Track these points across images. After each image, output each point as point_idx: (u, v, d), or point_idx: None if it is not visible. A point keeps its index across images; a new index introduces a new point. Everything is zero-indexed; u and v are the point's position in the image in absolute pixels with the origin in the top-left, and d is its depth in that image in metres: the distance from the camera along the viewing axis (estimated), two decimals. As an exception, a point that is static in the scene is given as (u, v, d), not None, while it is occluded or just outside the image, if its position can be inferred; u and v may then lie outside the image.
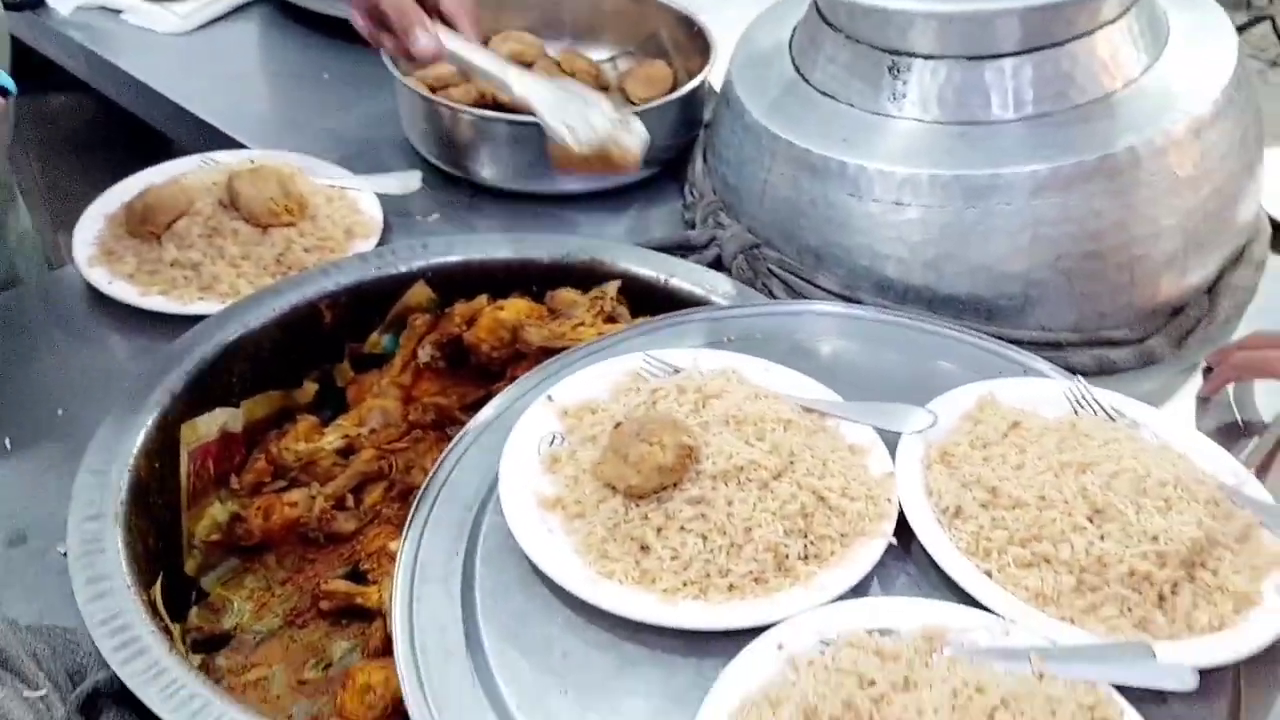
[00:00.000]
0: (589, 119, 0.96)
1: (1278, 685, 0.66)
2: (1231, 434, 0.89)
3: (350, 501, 0.90)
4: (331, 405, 0.98)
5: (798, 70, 1.04)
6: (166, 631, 0.69)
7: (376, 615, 0.81)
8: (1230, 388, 0.92)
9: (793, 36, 1.07)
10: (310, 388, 0.97)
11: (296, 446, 0.91)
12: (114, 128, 1.48)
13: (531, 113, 0.99)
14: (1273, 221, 1.08)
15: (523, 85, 0.98)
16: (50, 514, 0.77)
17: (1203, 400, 0.93)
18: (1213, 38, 0.99)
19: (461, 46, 0.99)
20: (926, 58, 0.93)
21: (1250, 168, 0.99)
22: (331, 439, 0.93)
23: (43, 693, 0.64)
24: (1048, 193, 0.90)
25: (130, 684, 0.64)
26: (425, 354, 0.97)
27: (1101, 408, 0.79)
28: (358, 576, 0.85)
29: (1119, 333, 0.95)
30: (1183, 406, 0.92)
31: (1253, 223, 1.05)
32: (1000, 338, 0.88)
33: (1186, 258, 0.96)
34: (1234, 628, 0.65)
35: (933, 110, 0.94)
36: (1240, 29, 1.21)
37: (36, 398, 0.89)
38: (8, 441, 0.85)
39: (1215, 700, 0.64)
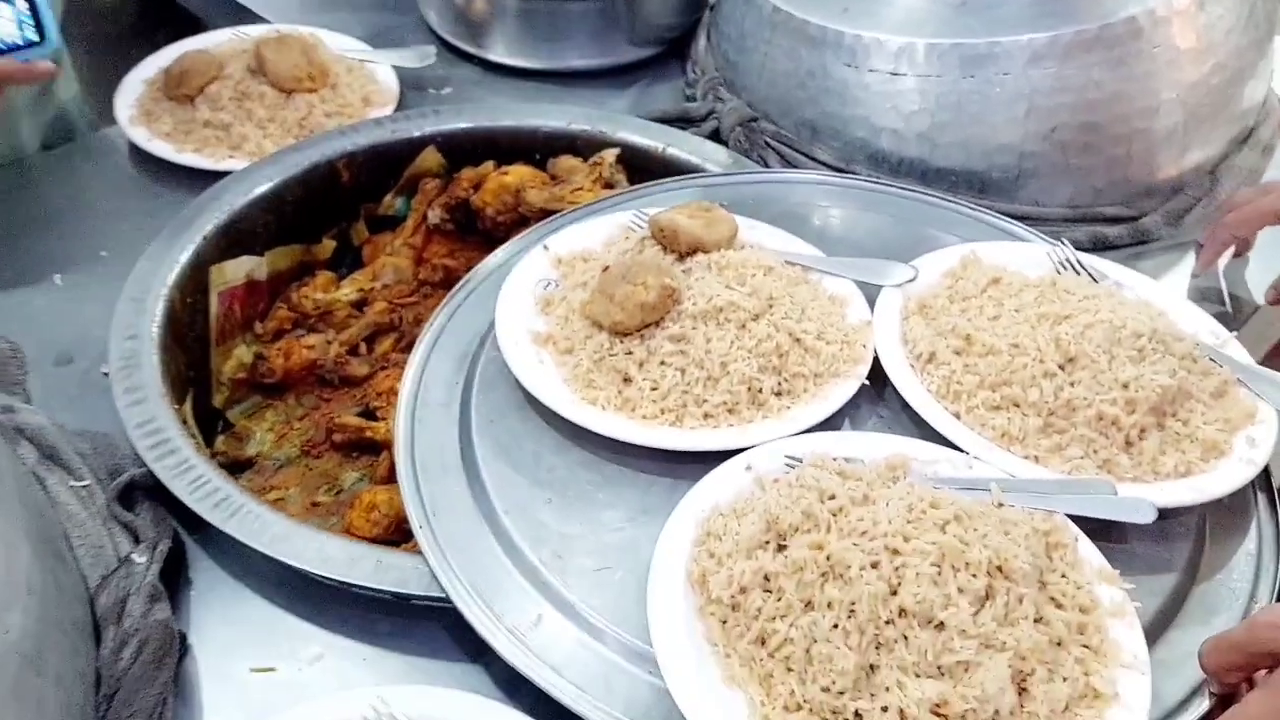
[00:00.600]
0: None
1: (1241, 534, 0.65)
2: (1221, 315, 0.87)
3: (363, 349, 0.91)
4: (348, 263, 0.99)
5: (805, -55, 1.00)
6: (193, 439, 0.71)
7: (383, 448, 0.82)
8: (1222, 265, 0.89)
9: (801, -88, 1.03)
10: (329, 244, 0.97)
11: (315, 295, 0.92)
12: (150, 16, 1.47)
13: None
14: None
15: None
16: (93, 339, 0.79)
17: (1195, 278, 0.90)
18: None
19: None
20: (930, -76, 0.90)
21: (1259, 45, 0.94)
22: (347, 291, 0.93)
23: (86, 483, 0.66)
24: (1045, 62, 0.86)
25: (162, 478, 0.66)
26: (435, 216, 0.96)
27: (1085, 269, 0.77)
28: (368, 415, 0.86)
29: (1114, 209, 0.92)
30: (1177, 283, 0.90)
31: (1261, 105, 1.01)
32: (993, 211, 0.86)
33: (1187, 135, 0.92)
34: (1200, 474, 0.64)
35: (934, -22, 0.91)
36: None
37: (83, 240, 0.91)
38: (57, 278, 0.87)
39: (1177, 544, 0.63)
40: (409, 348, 0.91)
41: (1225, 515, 0.65)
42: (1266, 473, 0.66)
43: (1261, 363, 0.71)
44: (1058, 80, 0.87)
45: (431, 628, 0.64)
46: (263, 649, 0.63)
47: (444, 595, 0.60)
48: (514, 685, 0.59)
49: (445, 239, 0.97)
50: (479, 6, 1.10)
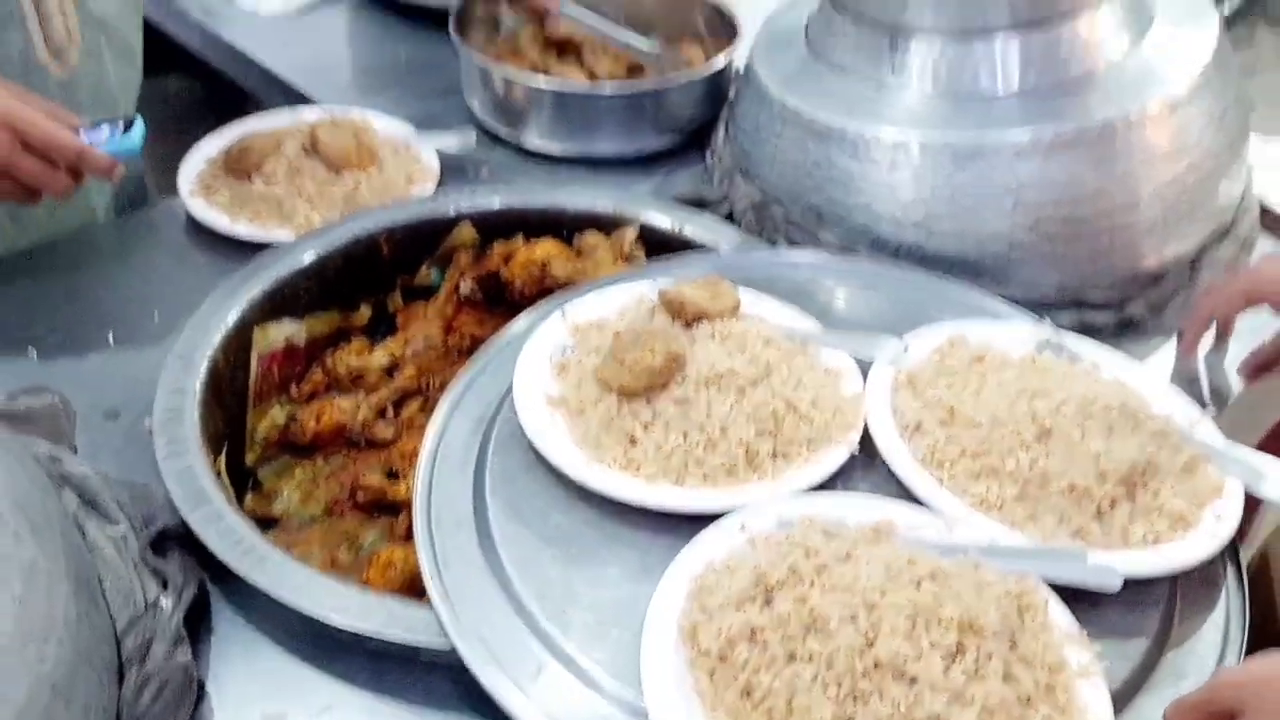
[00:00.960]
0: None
1: (1209, 606, 0.66)
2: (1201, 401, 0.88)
3: (390, 412, 0.95)
4: (383, 330, 1.03)
5: (811, 50, 1.05)
6: (225, 492, 0.74)
7: (404, 508, 0.85)
8: (1202, 355, 0.91)
9: (808, 23, 1.09)
10: (365, 312, 1.02)
11: (349, 360, 0.96)
12: (216, 97, 1.56)
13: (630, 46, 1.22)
14: (1267, 210, 1.07)
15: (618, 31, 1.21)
16: (140, 395, 0.83)
17: (1178, 364, 0.92)
18: (1195, 25, 0.98)
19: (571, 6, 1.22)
20: (923, 33, 0.94)
21: (1232, 147, 0.98)
22: (379, 357, 0.97)
23: (122, 530, 0.69)
24: (1029, 158, 0.90)
25: (194, 526, 0.69)
26: (466, 287, 1.01)
27: (1065, 348, 0.79)
28: (392, 476, 0.89)
29: (1100, 296, 0.95)
30: (1160, 367, 0.91)
31: (1239, 202, 1.03)
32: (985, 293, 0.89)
33: (1166, 228, 0.95)
34: (1168, 544, 0.66)
35: (928, 82, 0.95)
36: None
37: (137, 302, 0.96)
38: (110, 336, 0.92)
39: (1147, 611, 0.65)
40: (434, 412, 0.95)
41: (1195, 586, 0.66)
42: (1235, 546, 0.67)
43: (1259, 446, 0.72)
44: (1042, 175, 0.90)
45: (439, 681, 0.65)
46: (275, 697, 0.65)
47: (449, 648, 0.62)
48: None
49: (475, 309, 1.01)
50: (517, 97, 1.17)
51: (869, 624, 0.55)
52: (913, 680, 0.54)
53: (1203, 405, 0.81)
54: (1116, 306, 0.94)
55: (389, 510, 0.85)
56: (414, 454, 0.88)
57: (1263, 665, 0.52)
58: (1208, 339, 0.90)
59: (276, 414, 0.92)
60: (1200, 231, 0.98)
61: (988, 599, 0.57)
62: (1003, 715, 0.53)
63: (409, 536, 0.79)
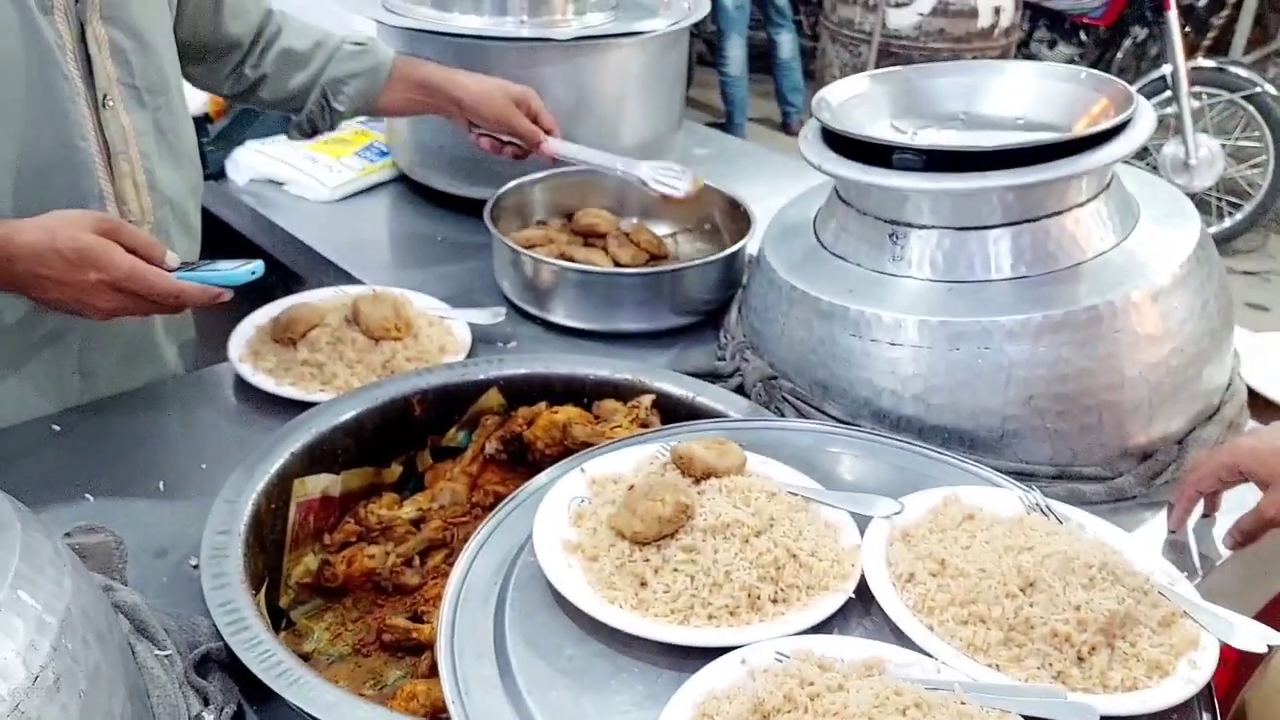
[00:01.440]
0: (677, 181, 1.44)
1: (1187, 749, 0.75)
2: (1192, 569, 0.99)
3: (417, 562, 1.06)
4: (411, 486, 1.16)
5: (818, 239, 1.23)
6: (263, 620, 0.85)
7: (427, 648, 0.95)
8: (1190, 525, 1.02)
9: (816, 215, 1.28)
10: (396, 469, 1.15)
11: (379, 512, 1.09)
12: (261, 284, 1.78)
13: (640, 179, 1.43)
14: (1257, 395, 1.20)
15: (626, 163, 1.44)
16: (186, 537, 0.97)
17: (1170, 536, 1.02)
18: (1178, 223, 1.16)
19: (567, 147, 1.45)
20: (921, 227, 1.12)
21: (1214, 334, 1.12)
22: (408, 510, 1.10)
23: (169, 653, 0.80)
24: (1020, 340, 1.05)
25: (236, 649, 0.80)
26: (491, 448, 1.15)
27: (1052, 512, 0.91)
28: (416, 619, 1.00)
29: (1091, 469, 1.07)
30: (1150, 537, 1.02)
31: (1225, 387, 1.17)
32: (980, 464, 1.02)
33: (1152, 408, 1.08)
34: (1145, 689, 0.75)
35: (925, 270, 1.12)
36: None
37: (187, 455, 1.10)
38: (161, 484, 1.06)
39: (1126, 752, 0.73)
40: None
41: (1171, 730, 0.74)
42: (1210, 694, 0.76)
43: (1258, 615, 0.82)
44: (1032, 355, 1.05)
45: (457, 799, 0.74)
46: (308, 807, 0.74)
47: (469, 765, 0.71)
48: None
49: (499, 468, 1.15)
50: (545, 278, 1.35)
51: (859, 747, 0.65)
52: (896, 800, 0.63)
53: (1193, 573, 0.92)
54: (1107, 480, 1.06)
55: (413, 651, 0.95)
56: (437, 599, 0.99)
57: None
58: (1197, 510, 1.01)
59: (310, 560, 1.04)
60: (1186, 412, 1.11)
61: (972, 732, 0.67)
62: (980, 835, 0.62)
63: (431, 673, 0.90)
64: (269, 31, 1.40)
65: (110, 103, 1.14)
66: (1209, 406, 1.14)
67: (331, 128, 1.49)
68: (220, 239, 1.67)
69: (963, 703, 0.70)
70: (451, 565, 1.07)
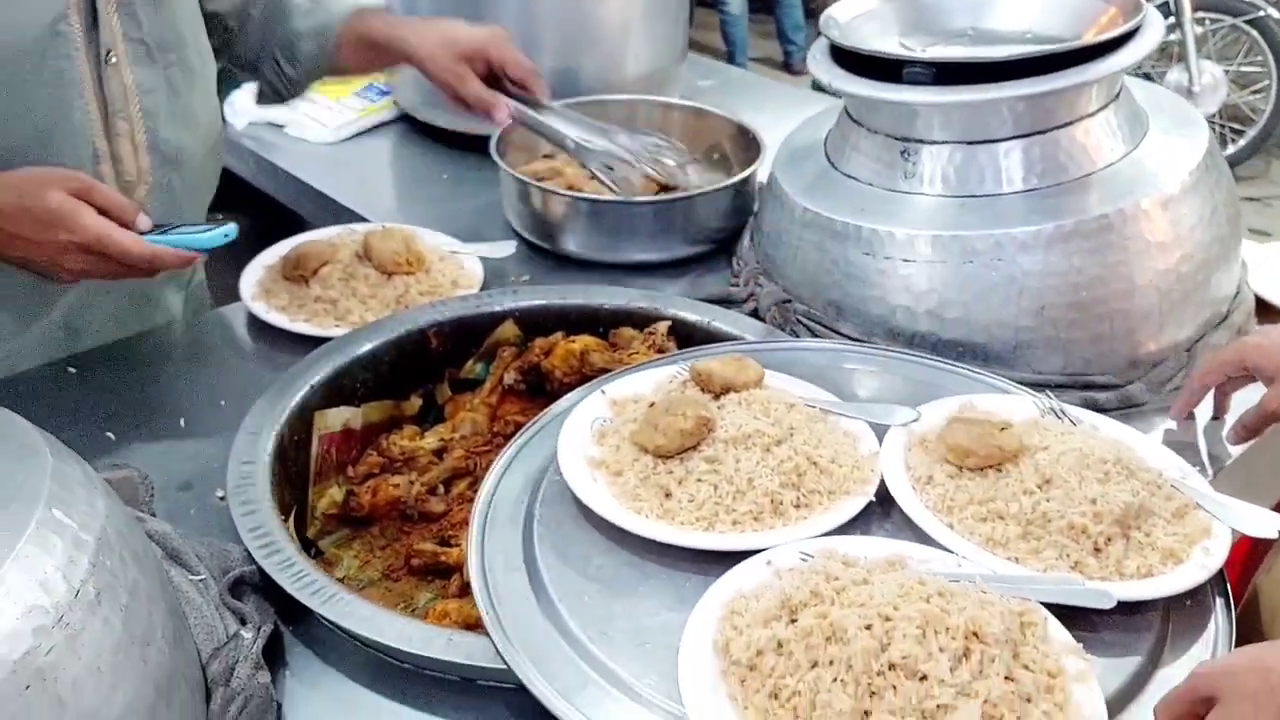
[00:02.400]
0: (627, 175, 1.33)
1: (1199, 630, 0.77)
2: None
3: (441, 490, 1.09)
4: (431, 419, 1.18)
5: (829, 161, 1.24)
6: (294, 542, 0.87)
7: (455, 570, 0.98)
8: (1200, 427, 1.04)
9: (827, 137, 1.28)
10: (416, 402, 1.17)
11: (401, 443, 1.11)
12: (264, 232, 1.78)
13: (583, 164, 1.33)
14: (1264, 303, 1.22)
15: (575, 143, 1.32)
16: (210, 471, 0.99)
17: (1171, 431, 1.04)
18: (1187, 132, 1.16)
19: (530, 115, 1.30)
20: (932, 143, 1.12)
21: (1223, 241, 1.13)
22: (429, 441, 1.12)
23: (202, 577, 0.82)
24: (1033, 251, 1.06)
25: (269, 571, 0.82)
26: (510, 378, 1.16)
27: (1066, 415, 0.93)
28: (443, 544, 1.02)
29: (1103, 378, 1.09)
30: (1160, 440, 1.04)
31: (1234, 295, 1.18)
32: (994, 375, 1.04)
33: (1162, 315, 1.10)
34: (1160, 575, 0.78)
35: (937, 186, 1.12)
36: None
37: (206, 392, 1.12)
38: (182, 421, 1.08)
39: (1141, 634, 0.76)
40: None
41: (1185, 613, 0.77)
42: (1223, 579, 0.79)
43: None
44: (1044, 266, 1.06)
45: (492, 704, 0.77)
46: (345, 719, 0.77)
47: (504, 670, 0.74)
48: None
49: (518, 399, 1.17)
50: (555, 211, 1.36)
51: (883, 631, 0.67)
52: (923, 678, 0.65)
53: (1203, 473, 0.94)
54: (1118, 387, 1.08)
55: (442, 574, 0.98)
56: (463, 524, 1.02)
57: (1237, 656, 0.63)
58: (1206, 412, 1.03)
59: (335, 492, 1.06)
60: (1196, 319, 1.12)
61: (991, 613, 0.69)
62: (1005, 709, 0.64)
63: (461, 594, 0.92)
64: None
65: (114, 59, 1.10)
66: (1218, 314, 1.15)
67: (295, 94, 1.40)
68: (220, 185, 1.67)
69: (984, 592, 0.73)
70: (475, 492, 1.09)
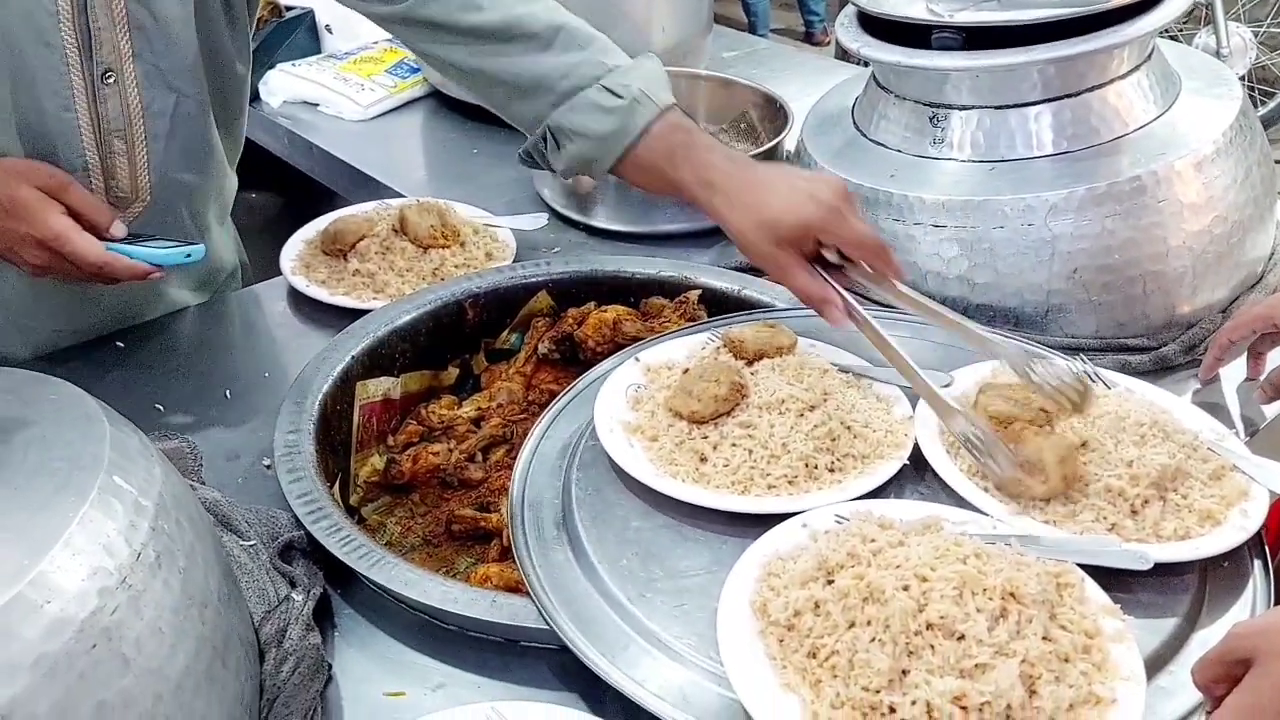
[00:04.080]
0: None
1: (1237, 593, 0.76)
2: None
3: (480, 457, 1.09)
4: (468, 388, 1.18)
5: (857, 128, 1.22)
6: (340, 508, 0.88)
7: (495, 536, 0.98)
8: (1233, 388, 1.02)
9: (855, 104, 1.26)
10: (453, 372, 1.17)
11: (440, 411, 1.11)
12: (296, 210, 1.79)
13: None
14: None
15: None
16: (255, 440, 1.00)
17: (1198, 390, 1.02)
18: (1220, 92, 1.13)
19: (871, 326, 0.89)
20: (962, 108, 1.10)
21: (1258, 202, 1.11)
22: (467, 410, 1.12)
23: (252, 543, 0.83)
24: (1064, 214, 1.04)
25: (317, 536, 0.83)
26: (544, 348, 1.16)
27: (1100, 378, 0.91)
28: (483, 509, 1.03)
29: (1136, 341, 1.07)
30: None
31: (1269, 256, 1.16)
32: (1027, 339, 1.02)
33: (1196, 277, 1.07)
34: (1197, 537, 0.76)
35: (967, 151, 1.11)
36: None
37: (249, 364, 1.13)
38: (228, 392, 1.09)
39: (1179, 596, 0.75)
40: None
41: (1224, 577, 0.76)
42: (1261, 541, 0.77)
43: None
44: (1076, 229, 1.04)
45: (535, 663, 0.78)
46: (394, 678, 0.78)
47: (546, 631, 0.74)
48: (602, 708, 0.72)
49: (552, 368, 1.16)
50: (585, 184, 1.35)
51: (920, 592, 0.66)
52: (960, 638, 0.64)
53: (1237, 435, 0.92)
54: (1152, 350, 1.06)
55: (482, 539, 0.98)
56: (502, 490, 1.02)
57: (1275, 615, 0.62)
58: (1239, 374, 1.02)
59: (376, 460, 1.06)
60: (1230, 281, 1.10)
61: (1028, 574, 0.68)
62: (1043, 668, 0.64)
63: (502, 558, 0.93)
64: None
65: (110, 78, 1.06)
66: (1252, 275, 1.13)
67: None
68: (255, 163, 1.68)
69: (1020, 554, 0.72)
70: (513, 459, 1.09)
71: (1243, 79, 4.00)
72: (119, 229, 1.01)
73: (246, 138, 1.81)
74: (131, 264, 1.01)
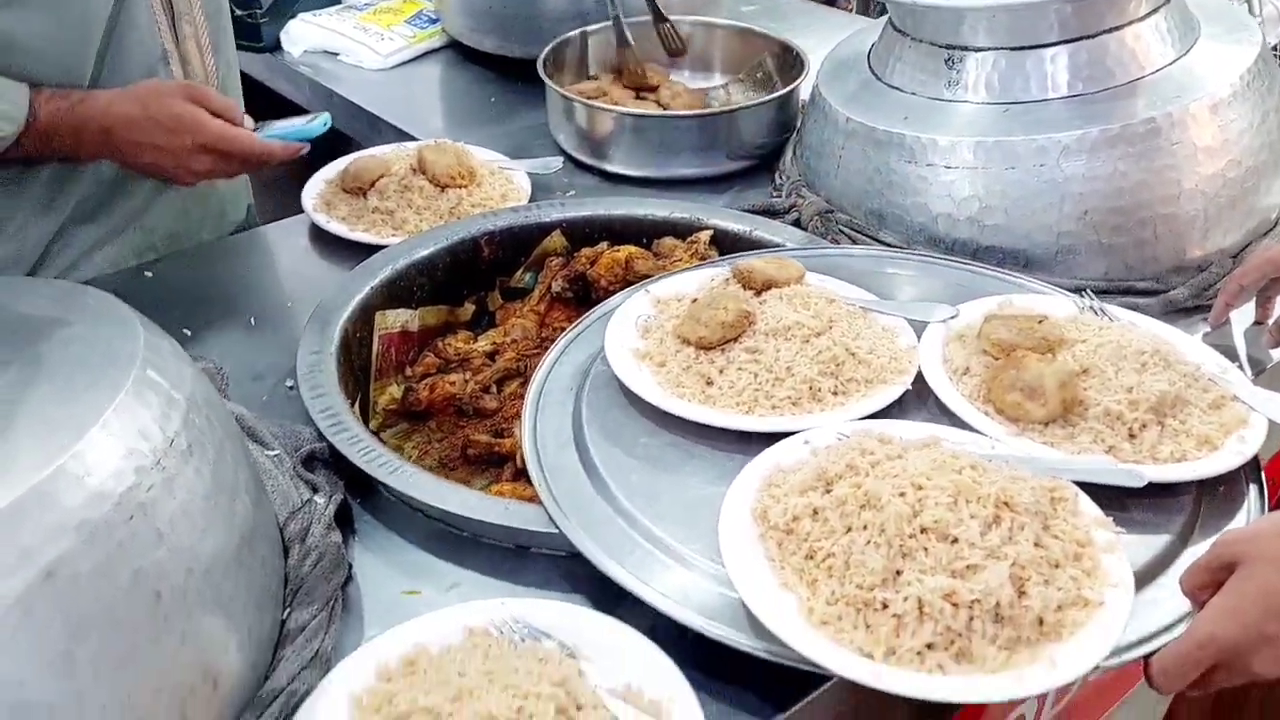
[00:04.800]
0: None
1: (1230, 515, 0.79)
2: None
3: (494, 389, 1.13)
4: (484, 325, 1.22)
5: (873, 72, 1.24)
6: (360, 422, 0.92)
7: (509, 459, 1.02)
8: (1240, 330, 1.05)
9: (870, 50, 1.28)
10: (469, 308, 1.21)
11: (456, 344, 1.15)
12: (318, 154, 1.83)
13: None
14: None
15: None
16: (279, 364, 1.04)
17: (1208, 334, 1.05)
18: (1239, 36, 1.15)
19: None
20: (978, 50, 1.13)
21: (1272, 147, 1.12)
22: (482, 344, 1.16)
23: (276, 452, 0.87)
24: (1076, 156, 1.06)
25: (339, 447, 0.87)
26: (558, 286, 1.20)
27: (1105, 313, 0.94)
28: (497, 435, 1.07)
29: (1145, 284, 1.09)
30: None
31: (1283, 203, 1.18)
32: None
33: (1208, 221, 1.09)
34: (1193, 460, 0.79)
35: (981, 93, 1.13)
36: None
37: (273, 294, 1.18)
38: (251, 319, 1.13)
39: (1173, 515, 0.78)
40: (529, 393, 1.13)
41: (1219, 500, 0.79)
42: (1258, 467, 0.80)
43: None
44: (1088, 171, 1.06)
45: (546, 567, 0.81)
46: (410, 579, 0.82)
47: (556, 534, 0.78)
48: (608, 609, 0.76)
49: (565, 306, 1.20)
50: (601, 127, 1.38)
51: (916, 499, 0.70)
52: (953, 541, 0.68)
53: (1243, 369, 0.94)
54: (1161, 293, 1.08)
55: (496, 463, 1.02)
56: (516, 417, 1.05)
57: (1261, 522, 0.65)
58: (1248, 317, 1.04)
59: (394, 389, 1.11)
60: (1243, 226, 1.12)
61: (1022, 486, 0.71)
62: (1033, 572, 0.67)
63: (516, 479, 0.97)
64: None
65: None
66: (1266, 221, 1.15)
67: None
68: (276, 112, 1.71)
69: (1016, 469, 0.75)
70: (526, 389, 1.13)
71: (1275, 50, 3.97)
72: (248, 121, 1.12)
73: (266, 85, 1.86)
74: (287, 145, 1.13)
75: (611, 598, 0.75)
